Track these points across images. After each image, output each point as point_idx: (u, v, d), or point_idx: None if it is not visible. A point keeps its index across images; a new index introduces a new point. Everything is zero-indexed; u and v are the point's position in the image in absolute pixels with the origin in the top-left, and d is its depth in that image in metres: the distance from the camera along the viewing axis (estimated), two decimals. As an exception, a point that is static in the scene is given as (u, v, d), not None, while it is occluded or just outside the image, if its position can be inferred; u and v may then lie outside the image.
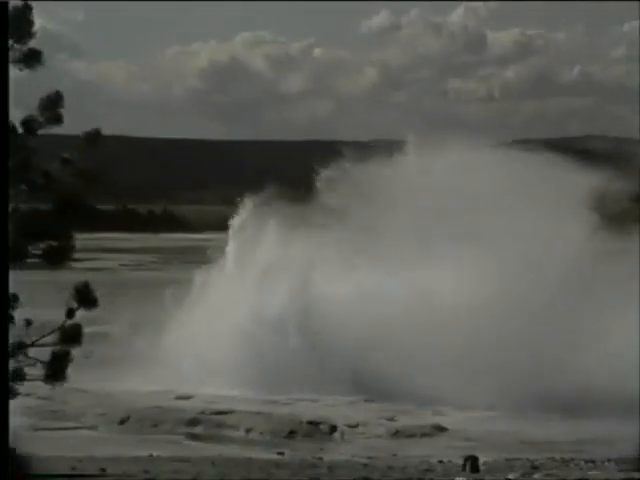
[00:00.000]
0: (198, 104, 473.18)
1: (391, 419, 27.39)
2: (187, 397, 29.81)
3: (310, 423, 26.31)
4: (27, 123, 5.55)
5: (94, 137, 5.73)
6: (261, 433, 26.05)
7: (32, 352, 5.65)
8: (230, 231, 36.52)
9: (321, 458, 22.41)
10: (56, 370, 5.61)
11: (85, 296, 5.82)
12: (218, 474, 19.18)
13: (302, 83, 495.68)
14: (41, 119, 5.50)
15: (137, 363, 31.38)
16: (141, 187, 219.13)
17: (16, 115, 5.87)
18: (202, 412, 27.53)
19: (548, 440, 24.50)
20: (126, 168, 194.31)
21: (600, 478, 18.36)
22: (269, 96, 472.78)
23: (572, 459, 21.64)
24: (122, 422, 27.05)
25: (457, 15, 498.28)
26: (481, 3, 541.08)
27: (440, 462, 21.49)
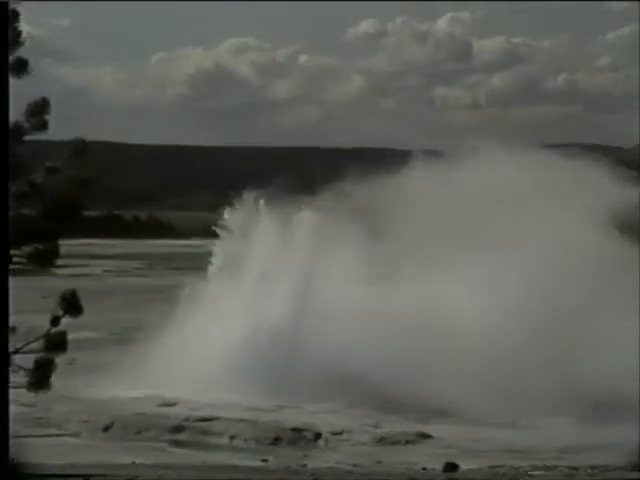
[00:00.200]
0: (185, 110, 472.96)
1: (375, 426, 27.39)
2: (171, 404, 29.72)
3: (294, 430, 26.29)
4: (14, 130, 5.54)
5: (80, 147, 5.73)
6: (245, 440, 26.01)
7: (17, 359, 5.62)
8: (223, 234, 36.26)
9: (305, 465, 22.40)
10: (40, 378, 5.59)
11: (71, 304, 5.82)
12: (202, 481, 19.14)
13: (288, 90, 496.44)
14: (27, 125, 5.49)
15: (121, 370, 31.31)
16: (127, 193, 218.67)
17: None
18: (186, 419, 27.46)
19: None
20: (112, 174, 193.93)
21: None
22: (256, 102, 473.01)
23: (556, 466, 21.71)
24: (106, 429, 26.95)
25: (443, 23, 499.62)
26: (467, 11, 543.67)
27: (424, 469, 21.51)
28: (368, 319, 30.76)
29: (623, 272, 30.17)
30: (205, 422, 27.25)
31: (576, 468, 21.14)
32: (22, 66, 5.29)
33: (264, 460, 23.44)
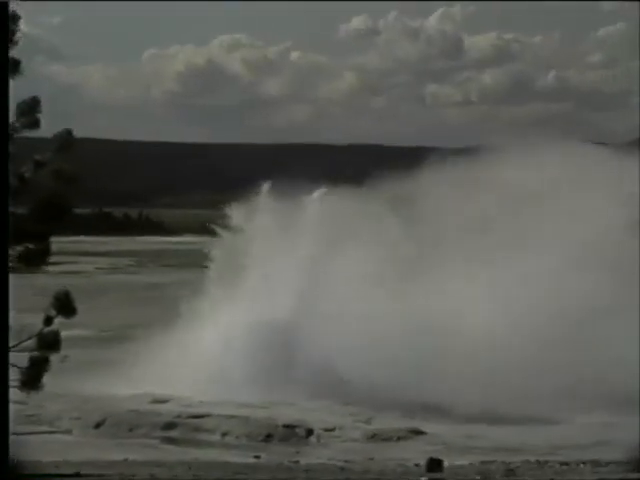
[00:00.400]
0: (176, 107, 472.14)
1: (367, 422, 27.41)
2: (163, 401, 29.71)
3: (286, 427, 26.31)
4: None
5: (67, 139, 5.72)
6: (237, 437, 26.03)
7: (10, 357, 5.64)
8: (221, 234, 36.00)
9: (297, 462, 22.42)
10: (32, 377, 5.60)
11: (65, 304, 5.82)
12: (194, 478, 19.14)
13: (280, 87, 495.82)
14: (17, 124, 5.50)
15: (113, 367, 31.29)
16: (117, 190, 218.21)
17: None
18: (178, 416, 27.47)
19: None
20: (102, 171, 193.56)
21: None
22: (247, 99, 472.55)
23: (547, 462, 21.76)
24: (97, 426, 26.95)
25: (434, 19, 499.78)
26: (458, 8, 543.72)
27: (416, 465, 21.54)
28: (384, 319, 30.13)
29: None
30: (197, 419, 27.26)
31: (567, 463, 21.21)
32: (15, 66, 5.30)
33: (256, 456, 23.46)
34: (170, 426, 26.85)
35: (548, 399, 26.91)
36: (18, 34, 5.41)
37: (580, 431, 25.40)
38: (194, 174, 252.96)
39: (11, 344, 5.59)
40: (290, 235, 34.04)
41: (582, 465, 20.76)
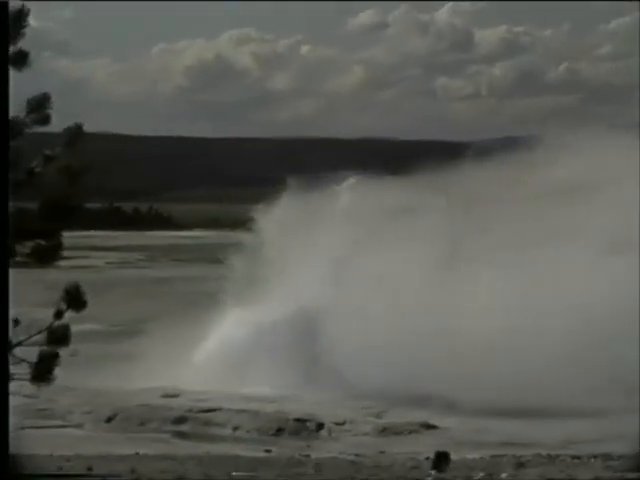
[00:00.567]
0: (184, 102, 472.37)
1: (378, 416, 27.39)
2: (174, 395, 29.76)
3: (297, 420, 26.31)
4: (13, 123, 5.54)
5: (76, 133, 5.71)
6: (248, 431, 26.05)
7: (19, 352, 5.63)
8: (253, 228, 35.48)
9: (308, 455, 22.41)
10: (43, 371, 5.60)
11: (75, 298, 5.81)
12: (205, 472, 19.16)
13: (289, 81, 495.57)
14: (27, 120, 5.49)
15: (125, 361, 31.34)
16: (127, 185, 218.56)
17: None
18: (189, 410, 27.50)
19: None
20: (112, 166, 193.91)
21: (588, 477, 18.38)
22: (256, 94, 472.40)
23: (558, 455, 21.69)
24: (109, 420, 27.00)
25: (444, 13, 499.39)
26: (468, 1, 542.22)
27: (427, 459, 21.50)
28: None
29: None
30: (208, 413, 27.29)
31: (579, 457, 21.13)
32: (23, 58, 5.28)
33: (267, 450, 23.48)
34: (181, 420, 26.89)
35: (579, 395, 26.09)
36: (26, 27, 5.40)
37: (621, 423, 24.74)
38: (200, 170, 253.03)
39: (22, 338, 5.60)
40: (317, 228, 33.49)
41: (593, 459, 20.70)
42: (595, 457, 20.81)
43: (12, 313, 5.84)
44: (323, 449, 23.92)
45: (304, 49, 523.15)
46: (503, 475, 18.08)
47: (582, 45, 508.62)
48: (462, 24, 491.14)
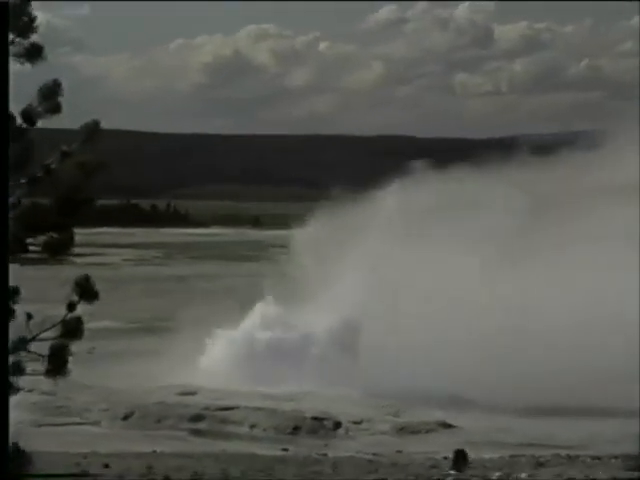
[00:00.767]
0: (202, 98, 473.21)
1: (396, 415, 27.20)
2: (191, 393, 29.67)
3: (314, 419, 26.17)
4: (26, 113, 5.44)
5: (93, 130, 5.62)
6: (265, 429, 25.93)
7: (34, 347, 5.56)
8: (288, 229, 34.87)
9: (325, 454, 22.31)
10: (57, 364, 5.51)
11: (86, 289, 5.70)
12: (221, 470, 19.09)
13: (307, 77, 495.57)
14: (40, 109, 5.40)
15: (141, 358, 31.32)
16: (144, 182, 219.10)
17: (17, 109, 5.82)
18: (206, 408, 27.41)
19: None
20: (129, 162, 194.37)
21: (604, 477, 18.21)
22: (274, 90, 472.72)
23: (578, 456, 21.49)
24: (126, 418, 26.96)
25: (464, 9, 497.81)
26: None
27: (445, 458, 21.36)
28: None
29: None
30: (225, 411, 27.19)
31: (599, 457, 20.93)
32: (37, 52, 5.20)
33: (284, 449, 23.34)
34: (198, 418, 26.82)
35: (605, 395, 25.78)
36: (37, 21, 5.33)
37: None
38: (217, 167, 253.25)
39: (35, 334, 5.53)
40: (359, 232, 32.80)
41: (614, 460, 20.51)
42: (616, 457, 20.63)
43: (28, 310, 5.78)
44: (340, 448, 23.77)
45: (322, 45, 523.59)
46: (522, 475, 17.96)
47: (603, 41, 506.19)
48: (482, 20, 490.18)
